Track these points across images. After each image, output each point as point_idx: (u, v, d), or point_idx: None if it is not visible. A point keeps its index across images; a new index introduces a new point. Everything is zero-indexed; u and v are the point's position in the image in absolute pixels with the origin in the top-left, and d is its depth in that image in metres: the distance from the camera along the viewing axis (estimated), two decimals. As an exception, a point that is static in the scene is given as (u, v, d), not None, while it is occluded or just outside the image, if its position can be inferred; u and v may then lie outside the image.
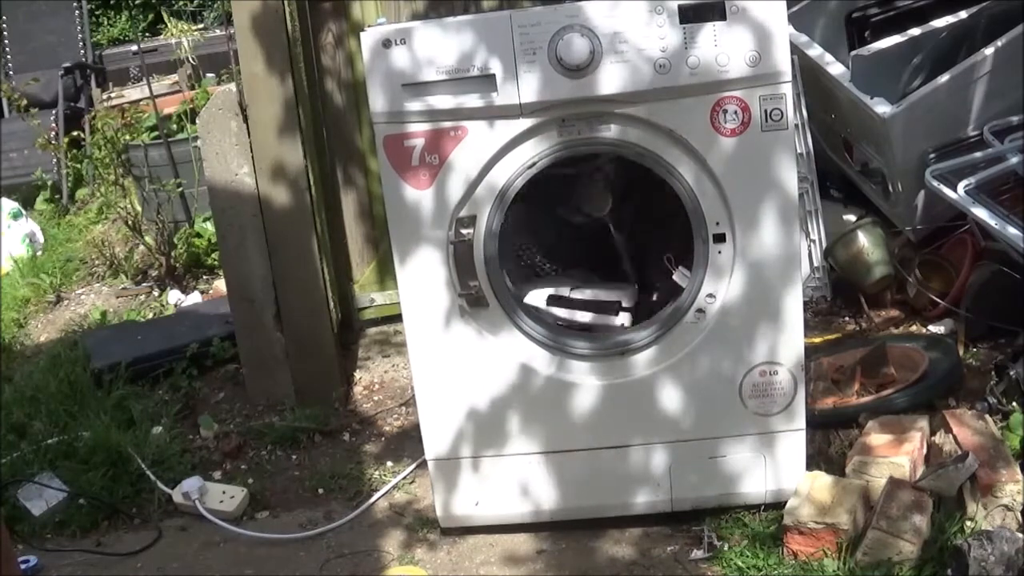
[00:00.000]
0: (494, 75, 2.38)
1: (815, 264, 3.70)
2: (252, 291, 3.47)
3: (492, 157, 2.44)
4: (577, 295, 2.77)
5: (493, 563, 2.66)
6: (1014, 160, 3.14)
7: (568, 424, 2.61)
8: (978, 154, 3.28)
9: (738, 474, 2.61)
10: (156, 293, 4.68)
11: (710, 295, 2.50)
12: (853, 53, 3.69)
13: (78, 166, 5.68)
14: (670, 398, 2.56)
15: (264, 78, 3.30)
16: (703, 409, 2.58)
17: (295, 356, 3.51)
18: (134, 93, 6.21)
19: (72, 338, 4.20)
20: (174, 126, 5.19)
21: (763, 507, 2.63)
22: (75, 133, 5.54)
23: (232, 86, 3.44)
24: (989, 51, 3.45)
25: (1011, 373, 2.85)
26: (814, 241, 3.69)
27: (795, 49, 3.65)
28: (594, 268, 2.93)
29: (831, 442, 2.86)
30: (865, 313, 3.55)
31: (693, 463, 2.61)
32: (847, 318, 3.61)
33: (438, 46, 2.39)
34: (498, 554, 2.68)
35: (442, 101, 2.41)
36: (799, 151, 3.60)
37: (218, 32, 6.64)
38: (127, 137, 4.91)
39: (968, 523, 2.38)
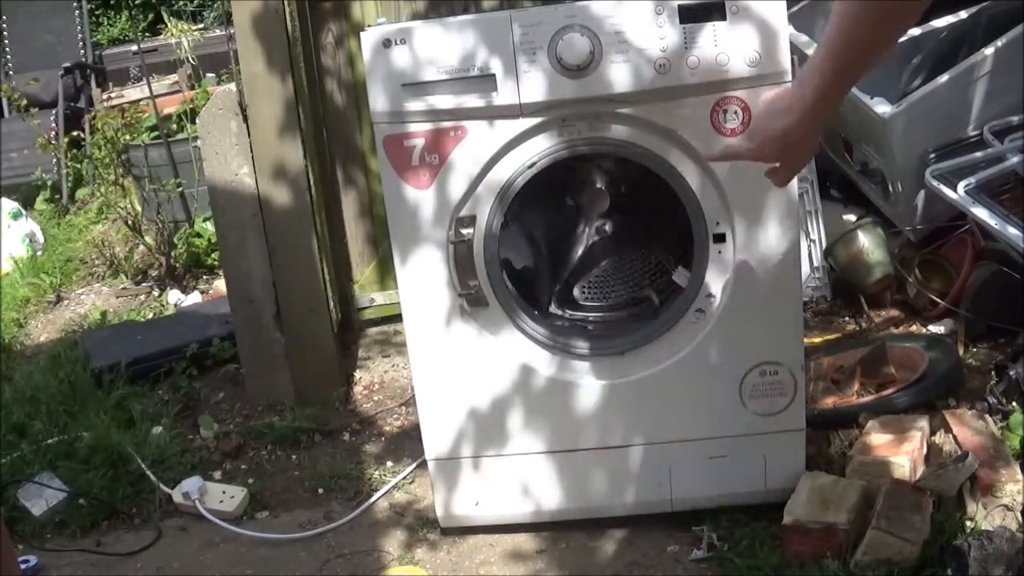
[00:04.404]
0: (494, 75, 2.38)
1: (815, 264, 3.70)
2: (252, 291, 3.47)
3: (492, 157, 2.44)
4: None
5: (493, 563, 2.66)
6: (1014, 160, 3.14)
7: (568, 424, 2.61)
8: (978, 154, 3.27)
9: (738, 474, 2.61)
10: (156, 293, 4.68)
11: (710, 295, 2.50)
12: (853, 53, 3.68)
13: (78, 166, 5.69)
14: (670, 398, 2.56)
15: (264, 78, 3.30)
16: (703, 409, 2.58)
17: (295, 356, 3.50)
18: (134, 93, 6.21)
19: (72, 338, 4.20)
20: (174, 126, 5.19)
21: (763, 507, 2.63)
22: (75, 133, 5.55)
23: (232, 86, 3.44)
24: (989, 51, 3.44)
25: (1011, 373, 2.85)
26: (814, 241, 3.69)
27: (795, 49, 3.65)
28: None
29: (831, 442, 2.86)
30: (865, 313, 3.55)
31: (693, 463, 2.61)
32: (847, 318, 3.61)
33: (438, 46, 2.39)
34: (498, 554, 2.69)
35: (442, 101, 2.41)
36: (799, 151, 3.60)
37: (218, 32, 6.64)
38: (127, 137, 4.92)
39: (968, 523, 2.38)
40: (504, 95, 2.38)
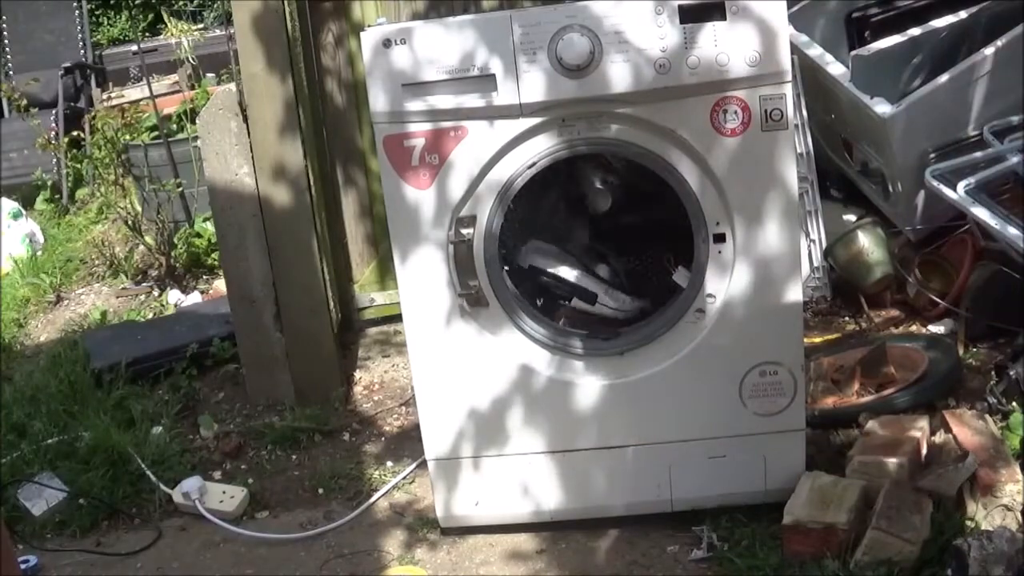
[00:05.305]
0: (494, 75, 2.38)
1: (815, 264, 3.70)
2: (252, 291, 3.47)
3: (492, 157, 2.44)
4: (565, 270, 2.77)
5: (493, 563, 2.66)
6: (1014, 160, 3.14)
7: (568, 424, 2.61)
8: (978, 154, 3.28)
9: (738, 474, 2.61)
10: (156, 293, 4.68)
11: (710, 295, 2.50)
12: (853, 53, 3.69)
13: (78, 166, 5.69)
14: (670, 398, 2.56)
15: (264, 78, 3.30)
16: (703, 409, 2.58)
17: (295, 356, 3.51)
18: (134, 93, 6.22)
19: (72, 338, 4.20)
20: (174, 126, 5.19)
21: (763, 507, 2.63)
22: (75, 133, 5.55)
23: (232, 86, 3.44)
24: (989, 51, 3.45)
25: (1011, 373, 2.85)
26: (814, 241, 3.69)
27: (795, 49, 3.65)
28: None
29: (831, 442, 2.86)
30: (865, 313, 3.55)
31: (693, 463, 2.61)
32: (847, 318, 3.61)
33: (438, 46, 2.39)
34: (498, 554, 2.69)
35: (442, 101, 2.41)
36: (799, 151, 3.61)
37: (218, 32, 6.64)
38: (127, 137, 4.92)
39: (968, 523, 2.38)
40: (504, 95, 2.38)
